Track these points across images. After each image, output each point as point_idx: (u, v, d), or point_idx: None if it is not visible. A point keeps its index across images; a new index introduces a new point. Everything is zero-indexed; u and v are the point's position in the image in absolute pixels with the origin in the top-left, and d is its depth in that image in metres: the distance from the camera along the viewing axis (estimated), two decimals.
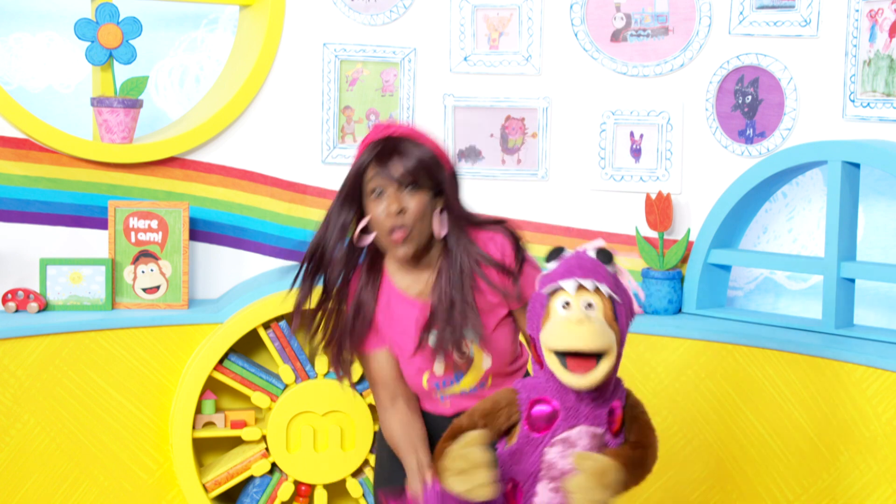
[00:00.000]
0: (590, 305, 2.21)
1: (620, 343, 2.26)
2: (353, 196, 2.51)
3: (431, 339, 2.52)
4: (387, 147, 2.47)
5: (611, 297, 2.23)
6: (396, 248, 2.49)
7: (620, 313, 2.25)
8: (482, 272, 2.52)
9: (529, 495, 2.33)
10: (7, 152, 3.57)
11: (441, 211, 2.52)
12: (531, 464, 2.30)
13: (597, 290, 2.22)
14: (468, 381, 2.55)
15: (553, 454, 2.29)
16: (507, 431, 2.36)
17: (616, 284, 2.27)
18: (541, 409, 2.29)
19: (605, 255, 2.28)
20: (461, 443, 2.23)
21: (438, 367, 2.54)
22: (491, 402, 2.34)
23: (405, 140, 2.49)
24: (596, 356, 2.20)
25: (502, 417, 2.32)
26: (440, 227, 2.52)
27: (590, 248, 2.30)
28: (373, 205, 2.48)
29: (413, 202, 2.46)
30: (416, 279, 2.58)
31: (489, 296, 2.55)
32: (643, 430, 2.37)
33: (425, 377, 2.56)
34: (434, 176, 2.49)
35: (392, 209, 2.45)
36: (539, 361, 2.29)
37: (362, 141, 2.55)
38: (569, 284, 2.22)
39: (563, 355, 2.20)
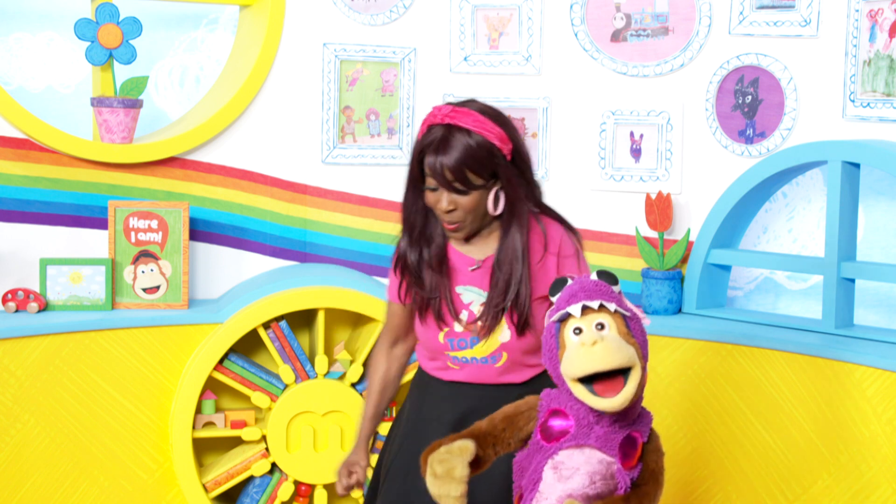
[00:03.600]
0: (601, 326, 2.19)
1: (643, 357, 2.23)
2: (419, 178, 2.53)
3: (467, 296, 2.56)
4: (439, 137, 2.47)
5: (620, 313, 2.21)
6: (450, 233, 2.56)
7: (634, 327, 2.23)
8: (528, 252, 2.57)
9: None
10: (7, 152, 3.57)
11: (498, 191, 2.54)
12: (534, 472, 2.30)
13: (602, 307, 2.20)
14: (480, 350, 2.56)
15: (549, 474, 2.27)
16: (527, 439, 2.35)
17: (622, 301, 2.26)
18: (556, 419, 2.27)
19: (608, 277, 2.27)
20: (449, 448, 2.23)
21: (458, 325, 2.56)
22: (514, 406, 2.34)
23: (460, 131, 2.47)
24: (622, 373, 2.18)
25: (522, 421, 2.31)
26: (494, 206, 2.54)
27: (592, 273, 2.29)
28: (428, 193, 2.53)
29: (463, 199, 2.50)
30: (473, 247, 2.61)
31: (535, 280, 2.58)
32: (647, 478, 2.29)
33: (444, 332, 2.58)
34: (487, 165, 2.49)
35: (442, 207, 2.50)
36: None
37: (425, 118, 2.55)
38: (575, 308, 2.20)
39: (589, 382, 2.19)
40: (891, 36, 3.34)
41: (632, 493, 2.27)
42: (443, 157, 2.45)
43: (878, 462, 3.10)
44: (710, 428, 3.43)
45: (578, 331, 2.19)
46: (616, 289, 2.27)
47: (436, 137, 2.47)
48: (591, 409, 2.24)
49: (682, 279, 3.66)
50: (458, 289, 2.58)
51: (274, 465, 3.58)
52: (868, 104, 3.41)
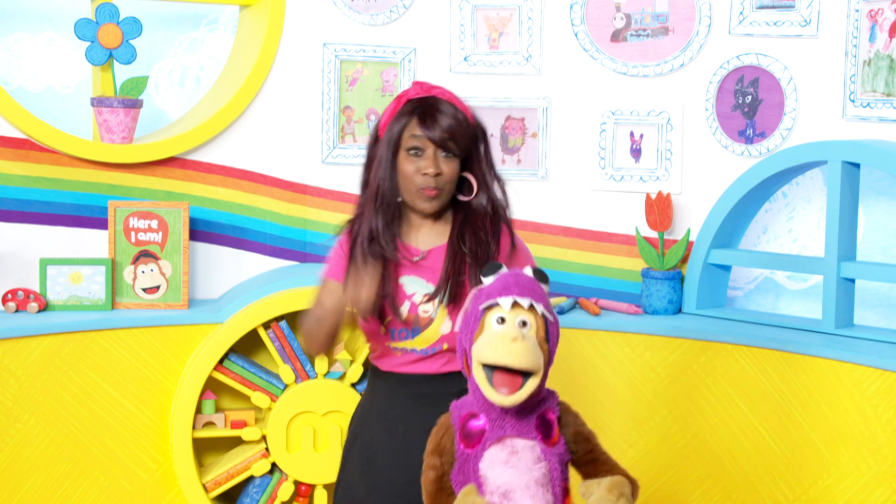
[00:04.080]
0: (524, 324, 2.24)
1: (548, 363, 2.28)
2: (396, 150, 2.55)
3: (410, 287, 2.57)
4: (429, 107, 2.53)
5: (544, 317, 2.25)
6: (424, 200, 2.55)
7: (552, 333, 2.28)
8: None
9: None
10: (7, 152, 3.57)
11: (467, 175, 2.59)
12: (469, 482, 2.32)
13: (531, 308, 2.24)
14: (422, 341, 2.57)
15: (485, 468, 2.30)
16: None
17: (549, 305, 2.30)
18: (474, 422, 2.31)
19: (541, 276, 2.30)
20: (461, 497, 2.26)
21: (404, 309, 2.56)
22: (431, 437, 2.37)
23: (446, 103, 2.55)
24: (523, 374, 2.22)
25: (448, 442, 2.34)
26: (473, 188, 2.59)
27: (527, 268, 2.32)
28: (407, 161, 2.53)
29: (448, 167, 2.53)
30: (419, 237, 2.61)
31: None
32: (590, 442, 2.36)
33: (386, 321, 2.58)
34: (467, 139, 2.56)
35: (430, 171, 2.51)
36: (468, 372, 2.31)
37: (399, 95, 2.58)
38: (505, 301, 2.24)
39: (492, 369, 2.23)
40: (891, 36, 3.34)
41: (595, 455, 2.34)
42: (439, 118, 2.51)
43: (878, 462, 3.10)
44: (710, 428, 3.43)
45: (501, 321, 2.23)
46: (545, 288, 2.30)
47: (427, 103, 2.53)
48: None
49: (682, 279, 3.66)
50: (402, 279, 2.59)
51: (274, 465, 3.58)
52: (868, 104, 3.41)
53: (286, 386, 3.57)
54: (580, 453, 2.34)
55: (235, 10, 4.00)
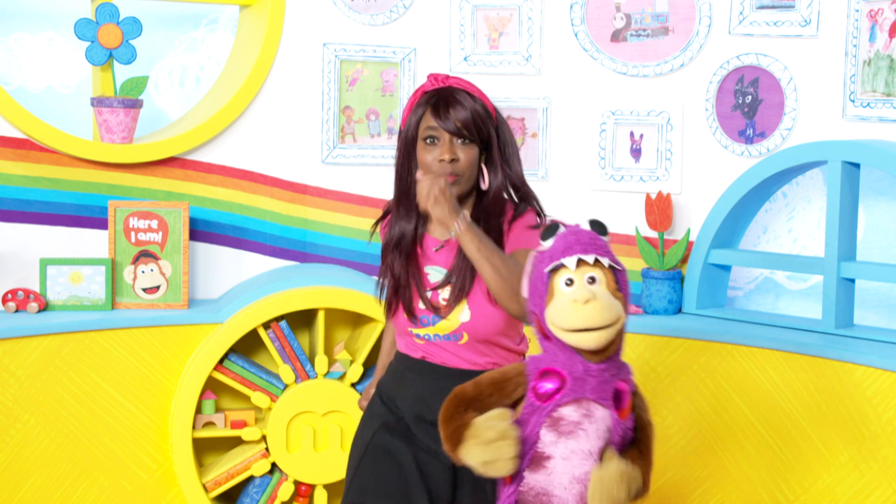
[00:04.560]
0: (593, 280, 2.22)
1: (626, 307, 2.28)
2: (413, 143, 2.59)
3: (434, 276, 2.59)
4: (443, 97, 2.56)
5: (612, 268, 2.25)
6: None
7: (622, 281, 2.27)
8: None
9: (520, 470, 2.33)
10: (7, 152, 3.57)
11: (487, 164, 2.61)
12: (531, 434, 2.30)
13: (597, 262, 2.23)
14: (442, 327, 2.59)
15: (546, 433, 2.29)
16: (514, 405, 2.37)
17: (613, 254, 2.29)
18: (547, 380, 2.29)
19: (599, 227, 2.29)
20: (488, 416, 2.24)
21: (422, 302, 2.59)
22: (500, 372, 2.36)
23: (461, 92, 2.57)
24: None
25: (510, 387, 2.33)
26: (485, 179, 2.61)
27: (584, 222, 2.31)
28: (425, 151, 2.57)
29: (464, 153, 2.55)
30: (437, 228, 2.63)
31: None
32: (647, 430, 2.36)
33: (406, 312, 2.60)
34: (485, 130, 2.58)
35: (445, 157, 2.53)
36: (544, 334, 2.29)
37: (417, 89, 2.61)
38: (570, 261, 2.23)
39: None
40: (891, 36, 3.34)
41: (643, 444, 2.34)
42: (452, 107, 2.54)
43: (878, 462, 3.10)
44: (710, 428, 3.43)
45: (570, 282, 2.22)
46: (606, 239, 2.29)
47: (442, 94, 2.56)
48: (582, 361, 2.26)
49: (682, 279, 3.66)
50: (426, 268, 2.62)
51: (274, 465, 3.58)
52: (868, 104, 3.41)
53: (286, 386, 3.57)
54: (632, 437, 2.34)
55: (235, 10, 4.00)
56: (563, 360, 2.28)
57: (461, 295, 2.57)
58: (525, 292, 2.34)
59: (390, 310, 2.64)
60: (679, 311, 3.66)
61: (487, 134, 2.58)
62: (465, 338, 2.59)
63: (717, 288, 3.68)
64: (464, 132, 2.54)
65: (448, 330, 2.59)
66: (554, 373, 2.30)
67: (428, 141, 2.56)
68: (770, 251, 3.70)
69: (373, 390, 2.79)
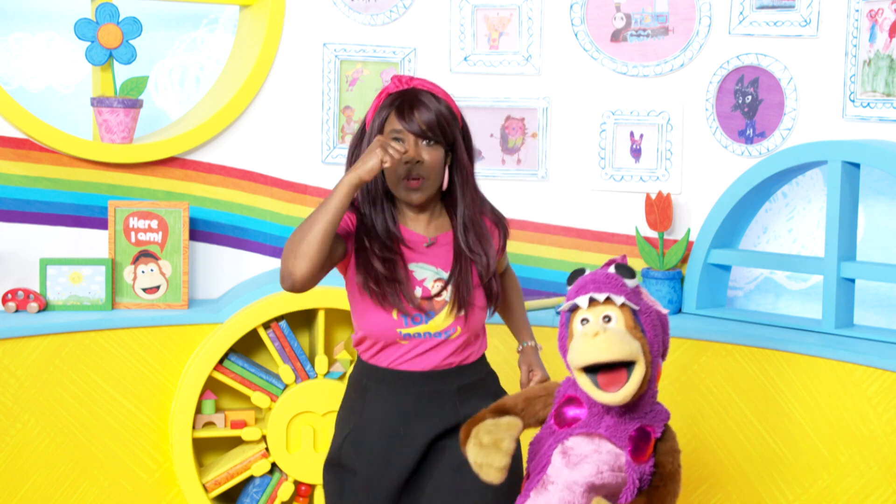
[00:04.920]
0: (608, 318, 2.21)
1: (652, 353, 2.23)
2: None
3: (420, 273, 2.59)
4: (408, 99, 2.55)
5: (628, 307, 2.22)
6: (409, 192, 2.57)
7: (644, 321, 2.23)
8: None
9: (528, 489, 2.34)
10: (7, 152, 3.57)
11: (452, 165, 2.62)
12: (544, 455, 2.31)
13: (608, 300, 2.21)
14: (435, 325, 2.58)
15: (558, 459, 2.28)
16: (542, 422, 2.38)
17: (635, 295, 2.26)
18: (570, 407, 2.30)
19: (625, 270, 2.27)
20: (497, 421, 2.25)
21: (416, 294, 2.58)
22: (534, 389, 2.42)
23: (425, 93, 2.57)
24: (626, 366, 2.18)
25: (539, 405, 2.35)
26: (448, 180, 2.62)
27: (611, 267, 2.30)
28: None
29: (430, 155, 2.55)
30: (424, 226, 2.64)
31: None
32: (665, 479, 2.30)
33: (397, 309, 2.58)
34: (450, 128, 2.58)
35: (411, 157, 2.53)
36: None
37: (381, 91, 2.61)
38: (582, 300, 2.23)
39: (594, 373, 2.20)
40: (891, 36, 3.34)
41: (651, 495, 2.28)
42: (416, 109, 2.53)
43: (878, 462, 3.10)
44: (710, 428, 3.43)
45: (585, 321, 2.21)
46: (631, 282, 2.27)
47: (407, 96, 2.55)
48: None
49: (682, 279, 3.66)
50: (411, 265, 2.61)
51: (274, 465, 3.58)
52: (868, 104, 3.41)
53: (286, 386, 3.57)
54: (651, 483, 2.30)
55: (235, 10, 4.00)
56: (585, 395, 2.27)
57: (464, 303, 2.57)
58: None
59: (370, 312, 2.58)
60: (679, 311, 3.66)
61: (453, 136, 2.58)
62: (459, 331, 2.59)
63: (717, 288, 3.68)
64: (428, 133, 2.53)
65: (442, 327, 2.58)
66: (577, 401, 2.31)
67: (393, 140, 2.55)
68: (770, 251, 3.70)
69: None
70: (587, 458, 2.26)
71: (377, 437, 2.61)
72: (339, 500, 2.67)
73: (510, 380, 2.86)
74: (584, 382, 2.21)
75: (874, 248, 3.57)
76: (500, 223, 2.71)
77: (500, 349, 3.36)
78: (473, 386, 2.63)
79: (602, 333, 2.16)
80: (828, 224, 3.33)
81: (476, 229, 2.61)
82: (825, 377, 3.20)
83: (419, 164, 2.53)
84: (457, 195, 2.62)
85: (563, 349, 2.28)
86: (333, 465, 2.68)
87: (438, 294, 2.58)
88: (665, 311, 2.32)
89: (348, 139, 3.86)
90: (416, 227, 2.64)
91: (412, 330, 2.58)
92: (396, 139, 2.55)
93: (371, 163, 2.43)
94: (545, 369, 2.73)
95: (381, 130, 2.57)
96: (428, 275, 2.60)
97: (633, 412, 2.27)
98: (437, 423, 2.58)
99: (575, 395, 2.31)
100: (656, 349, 2.25)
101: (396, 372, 2.61)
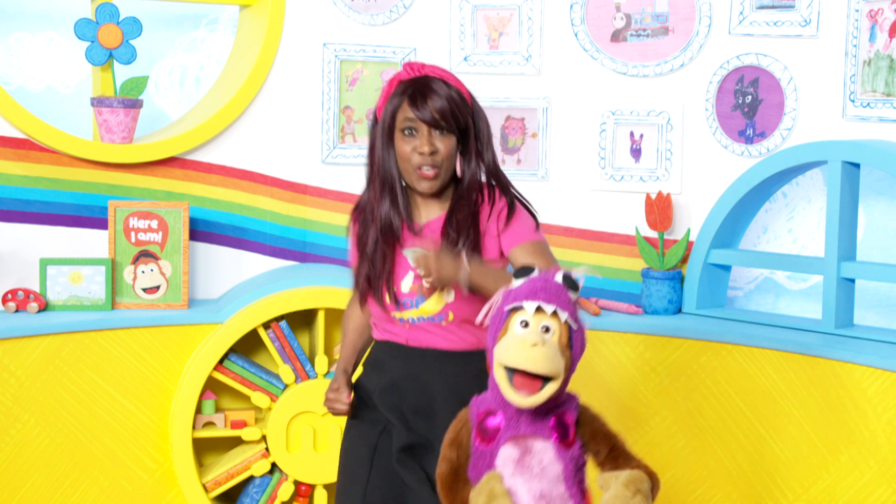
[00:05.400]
0: (547, 329, 2.24)
1: (569, 369, 2.29)
2: (391, 132, 2.58)
3: (411, 255, 2.58)
4: (420, 87, 2.55)
5: (568, 324, 2.26)
6: (422, 181, 2.57)
7: (575, 340, 2.28)
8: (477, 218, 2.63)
9: None
10: (7, 152, 3.57)
11: (463, 153, 2.61)
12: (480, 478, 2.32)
13: (555, 314, 2.24)
14: (427, 308, 2.59)
15: (500, 465, 2.30)
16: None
17: (574, 309, 2.30)
18: (491, 420, 2.32)
19: (570, 283, 2.30)
20: (479, 484, 2.27)
21: (405, 284, 2.58)
22: (452, 429, 2.40)
23: (437, 80, 2.56)
24: (543, 378, 2.23)
25: (465, 437, 2.36)
26: (462, 166, 2.62)
27: (559, 274, 2.31)
28: (403, 141, 2.56)
29: (443, 144, 2.55)
30: (428, 210, 2.64)
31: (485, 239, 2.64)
32: (611, 440, 2.36)
33: (390, 293, 2.60)
34: (463, 118, 2.57)
35: (425, 150, 2.53)
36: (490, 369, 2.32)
37: (392, 78, 2.60)
38: (530, 305, 2.25)
39: (512, 371, 2.25)
40: (891, 36, 3.34)
41: (618, 453, 2.34)
42: (429, 98, 2.53)
43: (878, 462, 3.10)
44: (710, 428, 3.43)
45: (525, 324, 2.24)
46: (574, 296, 2.30)
47: (419, 84, 2.55)
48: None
49: (682, 279, 3.66)
50: (405, 251, 2.61)
51: (274, 465, 3.58)
52: (868, 104, 3.41)
53: (286, 386, 3.57)
54: (602, 453, 2.34)
55: (235, 10, 4.00)
56: (500, 400, 2.30)
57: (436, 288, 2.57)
58: (487, 320, 2.35)
59: (370, 296, 2.62)
60: (679, 311, 3.66)
61: (465, 122, 2.57)
62: (451, 317, 2.59)
63: (717, 288, 3.68)
64: (441, 123, 2.53)
65: (433, 311, 2.59)
66: (494, 412, 2.33)
67: (406, 132, 2.55)
68: (770, 251, 3.70)
69: (342, 379, 2.74)
70: (522, 463, 2.30)
71: (394, 394, 2.62)
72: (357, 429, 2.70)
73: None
74: (500, 376, 2.26)
75: (874, 248, 3.57)
76: (522, 209, 2.64)
77: None
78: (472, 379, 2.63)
79: (539, 346, 2.21)
80: (828, 224, 3.33)
81: (460, 216, 2.58)
82: (825, 377, 3.20)
83: (434, 153, 2.54)
84: (461, 181, 2.62)
85: (493, 337, 2.30)
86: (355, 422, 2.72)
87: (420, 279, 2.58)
88: (587, 328, 2.36)
89: (348, 139, 3.86)
90: (415, 213, 2.63)
91: (405, 314, 2.60)
92: (408, 129, 2.53)
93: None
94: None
95: (393, 118, 2.56)
96: None
97: (545, 407, 2.30)
98: (455, 397, 2.56)
99: (489, 407, 2.33)
100: (574, 367, 2.30)
101: (411, 348, 2.62)
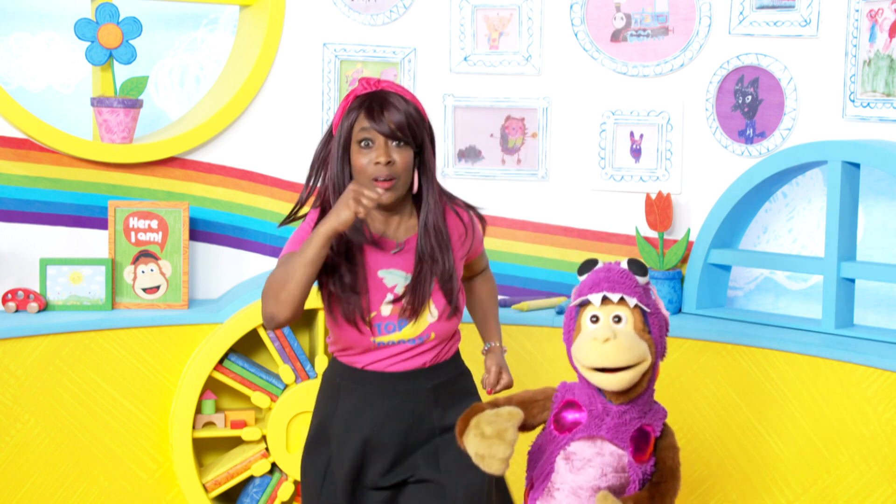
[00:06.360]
0: (618, 319, 2.21)
1: (656, 353, 2.24)
2: (347, 145, 2.57)
3: (391, 279, 2.57)
4: (377, 100, 2.54)
5: (639, 308, 2.22)
6: (381, 191, 2.54)
7: (652, 323, 2.24)
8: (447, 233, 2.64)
9: (533, 498, 2.34)
10: (7, 152, 3.57)
11: (420, 167, 2.61)
12: (546, 462, 2.30)
13: (622, 301, 2.21)
14: (409, 332, 2.58)
15: (561, 465, 2.28)
16: (536, 427, 2.37)
17: (646, 294, 2.26)
18: (570, 411, 2.29)
19: (637, 267, 2.27)
20: (498, 411, 2.24)
21: (386, 308, 2.56)
22: (530, 393, 2.38)
23: (394, 95, 2.56)
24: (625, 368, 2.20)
25: (536, 409, 2.34)
26: (417, 181, 2.61)
27: (623, 261, 2.29)
28: (359, 154, 2.55)
29: (400, 156, 2.54)
30: (392, 229, 2.63)
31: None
32: (665, 475, 2.32)
33: (370, 317, 2.57)
34: (419, 129, 2.56)
35: (381, 160, 2.52)
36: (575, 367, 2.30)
37: (348, 94, 2.60)
38: (595, 298, 2.22)
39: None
40: (891, 36, 3.34)
41: (653, 490, 2.29)
42: (386, 110, 2.52)
43: (878, 462, 3.10)
44: (710, 428, 3.43)
45: (595, 318, 2.21)
46: (642, 280, 2.27)
47: (376, 97, 2.54)
48: (603, 401, 2.25)
49: (682, 279, 3.66)
50: (381, 273, 2.59)
51: (274, 465, 3.58)
52: (868, 104, 3.41)
53: (286, 386, 3.57)
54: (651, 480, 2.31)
55: (235, 10, 4.00)
56: (586, 395, 2.27)
57: (422, 306, 2.55)
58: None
59: (341, 320, 2.57)
60: (679, 311, 3.66)
61: (421, 137, 2.57)
62: (433, 336, 2.59)
63: (717, 288, 3.68)
64: (398, 134, 2.52)
65: (416, 333, 2.57)
66: (577, 405, 2.30)
67: (362, 144, 2.53)
68: (770, 251, 3.70)
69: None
70: (591, 462, 2.26)
71: (352, 438, 2.59)
72: (321, 480, 2.64)
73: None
74: (585, 373, 2.22)
75: (874, 248, 3.57)
76: (474, 216, 2.69)
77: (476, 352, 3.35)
78: (448, 384, 2.63)
79: (612, 340, 2.17)
80: (828, 224, 3.33)
81: (437, 234, 2.58)
82: (825, 377, 3.20)
83: (390, 164, 2.52)
84: (422, 197, 2.61)
85: (569, 340, 2.28)
86: (310, 449, 2.67)
87: (405, 295, 2.56)
88: (667, 313, 2.32)
89: None
90: (388, 230, 2.61)
91: (386, 338, 2.58)
92: (364, 140, 2.52)
93: (344, 215, 2.42)
94: (510, 373, 2.72)
95: (349, 133, 2.55)
96: (399, 281, 2.58)
97: (632, 413, 2.27)
98: (412, 424, 2.57)
99: (573, 399, 2.30)
100: (659, 349, 2.26)
101: (371, 373, 2.60)
